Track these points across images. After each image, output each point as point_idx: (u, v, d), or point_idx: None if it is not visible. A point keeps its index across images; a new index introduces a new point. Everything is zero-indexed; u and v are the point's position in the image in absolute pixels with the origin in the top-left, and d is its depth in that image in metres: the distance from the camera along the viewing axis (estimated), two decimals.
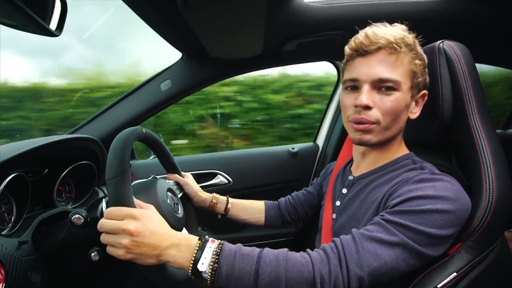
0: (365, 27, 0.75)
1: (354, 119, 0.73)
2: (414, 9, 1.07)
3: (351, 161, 0.94)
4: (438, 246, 0.64)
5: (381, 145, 0.77)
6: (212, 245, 0.62)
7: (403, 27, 0.74)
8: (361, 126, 0.72)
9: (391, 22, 0.77)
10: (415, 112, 0.76)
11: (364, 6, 1.08)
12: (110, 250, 0.61)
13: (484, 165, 0.69)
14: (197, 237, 0.64)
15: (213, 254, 0.60)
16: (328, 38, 1.03)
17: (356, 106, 0.72)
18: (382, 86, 0.70)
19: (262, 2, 0.81)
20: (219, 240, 0.64)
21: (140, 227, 0.60)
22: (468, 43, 0.79)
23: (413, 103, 0.75)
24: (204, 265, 0.59)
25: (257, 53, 1.21)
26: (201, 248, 0.61)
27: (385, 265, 0.60)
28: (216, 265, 0.59)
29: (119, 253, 0.60)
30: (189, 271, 0.60)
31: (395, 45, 0.68)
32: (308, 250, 0.64)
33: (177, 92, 1.32)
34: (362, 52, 0.71)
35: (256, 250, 0.62)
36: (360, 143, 0.75)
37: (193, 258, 0.60)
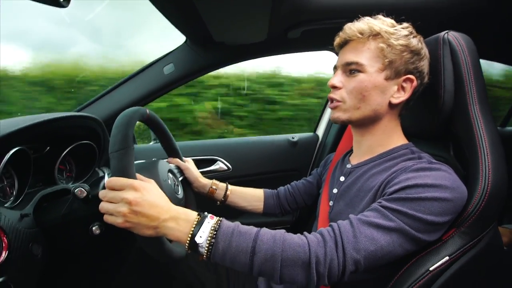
0: (369, 16, 0.80)
1: (328, 98, 0.84)
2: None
3: (350, 151, 0.95)
4: (434, 232, 0.65)
5: (361, 126, 0.82)
6: (210, 221, 0.63)
7: (383, 18, 0.78)
8: (331, 105, 0.82)
9: (395, 12, 0.79)
10: (398, 96, 0.77)
11: None
12: (108, 218, 0.63)
13: (482, 154, 0.70)
14: (196, 213, 0.65)
15: (211, 230, 0.61)
16: (333, 27, 1.03)
17: (330, 87, 0.82)
18: (349, 69, 0.78)
19: None
20: (218, 217, 0.65)
21: (139, 197, 0.61)
22: (473, 37, 0.80)
23: (394, 87, 0.76)
24: (201, 239, 0.61)
25: (261, 39, 1.20)
26: (199, 223, 0.62)
27: (381, 249, 0.61)
28: (213, 240, 0.61)
29: (117, 221, 0.62)
30: (186, 244, 0.62)
31: (359, 34, 0.76)
32: (305, 232, 0.65)
33: (180, 77, 1.32)
34: (341, 44, 0.82)
35: (254, 228, 0.64)
36: (333, 120, 0.84)
37: (191, 232, 0.61)
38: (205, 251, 0.61)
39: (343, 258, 0.60)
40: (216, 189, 1.06)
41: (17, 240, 0.71)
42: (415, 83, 0.76)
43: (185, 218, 0.63)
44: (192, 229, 0.62)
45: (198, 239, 0.61)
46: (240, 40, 1.23)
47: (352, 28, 0.78)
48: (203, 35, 1.15)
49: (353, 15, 0.81)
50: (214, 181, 1.07)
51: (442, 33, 0.79)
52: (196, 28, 1.12)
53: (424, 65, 0.77)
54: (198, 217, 0.64)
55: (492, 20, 1.13)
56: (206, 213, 0.66)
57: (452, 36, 0.78)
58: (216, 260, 0.62)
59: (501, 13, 1.09)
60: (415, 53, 0.75)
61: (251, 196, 1.11)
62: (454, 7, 1.07)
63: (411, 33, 0.77)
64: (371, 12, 0.81)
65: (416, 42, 0.76)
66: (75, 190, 0.73)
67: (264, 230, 0.64)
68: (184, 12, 1.00)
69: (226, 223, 0.64)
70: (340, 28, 0.82)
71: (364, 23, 0.77)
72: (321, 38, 1.24)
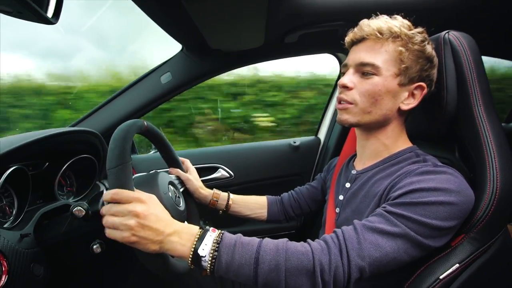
0: (367, 18, 0.77)
1: (337, 99, 0.79)
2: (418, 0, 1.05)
3: (354, 156, 0.94)
4: (440, 237, 0.64)
5: (368, 130, 0.80)
6: (212, 234, 0.62)
7: (401, 19, 0.75)
8: (340, 105, 0.78)
9: (394, 13, 0.77)
10: (408, 103, 0.75)
11: None
12: (114, 233, 0.60)
13: (489, 157, 0.69)
14: (198, 227, 0.64)
15: (213, 243, 0.60)
16: (330, 29, 1.02)
17: (341, 87, 0.77)
18: (363, 70, 0.74)
19: None
20: (220, 230, 0.64)
21: (147, 210, 0.60)
22: (474, 34, 0.78)
23: (405, 93, 0.74)
24: (204, 252, 0.60)
25: (258, 45, 1.19)
26: (201, 237, 0.61)
27: (386, 256, 0.60)
28: (216, 253, 0.60)
29: (123, 235, 0.59)
30: (189, 260, 0.60)
31: (378, 33, 0.72)
32: (308, 240, 0.64)
33: (178, 85, 1.30)
34: (354, 41, 0.77)
35: (256, 239, 0.63)
36: (340, 122, 0.80)
37: (193, 247, 0.60)
38: (208, 265, 0.60)
39: (348, 265, 0.59)
40: (217, 201, 1.04)
41: (18, 262, 0.70)
42: (425, 91, 0.74)
43: (188, 232, 0.62)
44: (195, 243, 0.61)
45: (200, 252, 0.60)
46: (237, 47, 1.22)
47: (371, 25, 0.73)
48: (199, 43, 1.14)
49: (351, 18, 0.80)
50: (215, 191, 1.05)
51: (443, 33, 0.78)
52: (191, 36, 1.11)
53: (435, 73, 0.76)
54: (200, 230, 0.63)
55: (493, 17, 1.11)
56: (207, 226, 0.65)
57: (453, 35, 0.76)
58: (220, 274, 0.60)
59: (501, 9, 1.07)
60: (429, 60, 0.74)
61: (254, 204, 1.09)
62: (453, 6, 1.05)
63: (426, 39, 0.74)
64: (368, 14, 0.79)
65: (430, 49, 0.74)
66: (73, 210, 0.72)
67: (267, 240, 0.63)
68: (178, 21, 0.99)
69: (228, 235, 0.63)
70: (337, 30, 0.80)
71: (383, 22, 0.73)
72: (319, 41, 1.23)
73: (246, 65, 1.37)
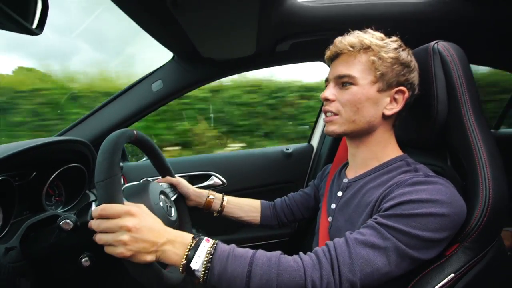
0: (357, 28, 0.81)
1: (323, 111, 0.83)
2: (406, 10, 1.07)
3: (346, 164, 0.94)
4: (432, 249, 0.64)
5: (356, 138, 0.82)
6: (206, 245, 0.62)
7: (372, 31, 0.79)
8: (326, 118, 0.82)
9: (383, 23, 0.80)
10: (391, 108, 0.77)
11: (357, 6, 1.08)
12: (108, 249, 0.61)
13: (480, 166, 0.69)
14: (192, 235, 0.64)
15: (207, 254, 0.61)
16: (322, 38, 1.02)
17: (323, 100, 0.82)
18: (341, 82, 0.78)
19: (254, 2, 0.80)
20: (214, 240, 0.64)
21: (138, 223, 0.60)
22: (462, 44, 0.79)
23: (386, 99, 0.77)
24: (197, 264, 0.60)
25: (250, 54, 1.19)
26: (195, 247, 0.62)
27: (377, 271, 0.60)
28: (209, 264, 0.60)
29: (117, 251, 0.59)
30: (181, 268, 0.61)
31: (350, 47, 0.77)
32: (301, 253, 0.64)
33: (169, 93, 1.30)
34: (332, 57, 0.83)
35: (250, 252, 0.63)
36: (328, 133, 0.83)
37: (185, 255, 0.61)
38: (201, 275, 0.60)
39: (339, 280, 0.59)
40: (213, 198, 1.04)
41: (2, 277, 0.68)
42: (406, 94, 0.77)
43: (181, 241, 0.63)
44: (187, 252, 0.61)
45: (193, 264, 0.60)
46: (229, 55, 1.22)
47: (343, 41, 0.78)
48: (191, 51, 1.13)
49: (341, 27, 0.81)
50: (211, 191, 1.06)
51: (432, 43, 0.79)
52: (183, 45, 1.11)
53: (415, 77, 0.78)
54: (194, 240, 0.63)
55: (481, 28, 1.14)
56: (201, 235, 0.64)
57: (442, 46, 0.77)
58: (212, 284, 0.60)
59: (489, 20, 1.10)
60: (405, 65, 0.76)
61: (247, 207, 1.09)
62: (441, 17, 1.07)
63: (400, 46, 0.78)
64: (360, 24, 0.81)
65: (405, 55, 0.77)
66: (60, 223, 0.70)
67: (260, 253, 0.63)
68: (168, 29, 0.98)
69: (221, 246, 0.63)
70: (328, 39, 0.81)
71: (354, 37, 0.78)
72: (310, 50, 1.24)
73: (238, 73, 1.38)
